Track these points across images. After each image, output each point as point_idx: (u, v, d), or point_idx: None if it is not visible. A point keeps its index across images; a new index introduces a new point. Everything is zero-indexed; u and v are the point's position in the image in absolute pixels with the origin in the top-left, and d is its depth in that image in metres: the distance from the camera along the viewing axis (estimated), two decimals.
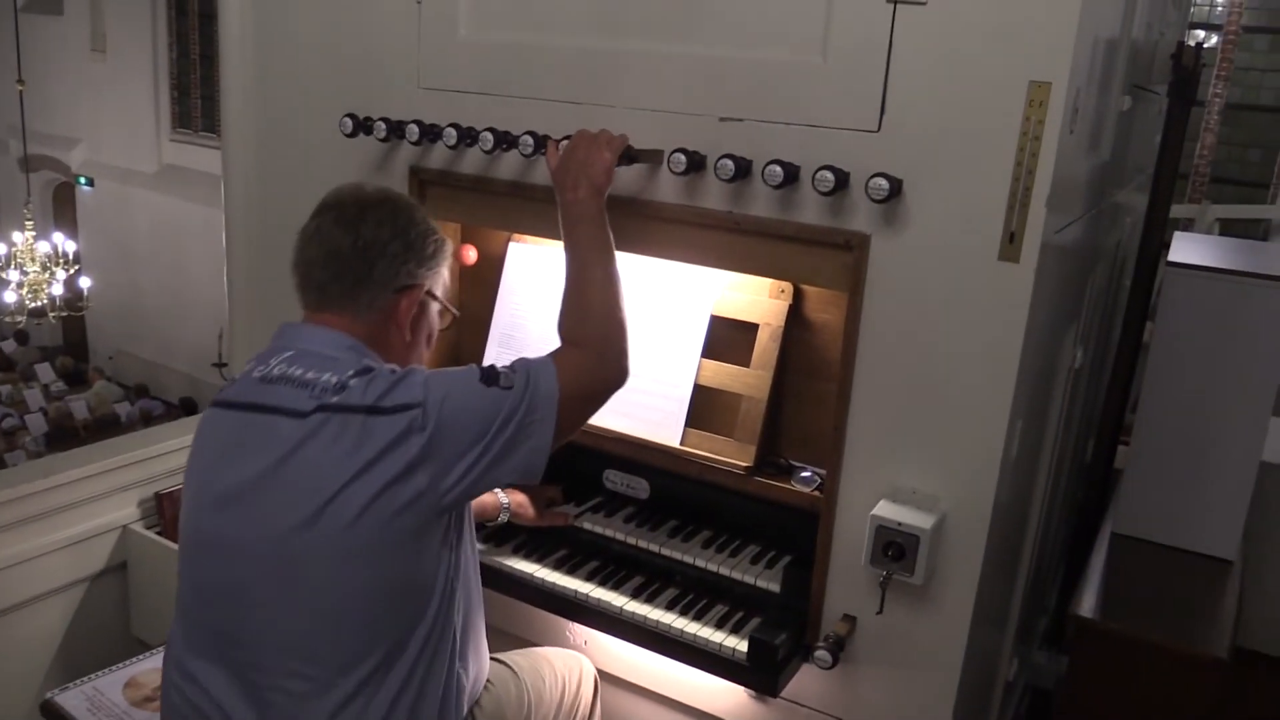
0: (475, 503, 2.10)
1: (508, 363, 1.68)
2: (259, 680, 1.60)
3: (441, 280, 1.80)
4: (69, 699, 2.13)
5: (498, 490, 2.20)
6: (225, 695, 1.62)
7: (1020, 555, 2.50)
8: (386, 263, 1.68)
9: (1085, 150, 2.12)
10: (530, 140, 2.05)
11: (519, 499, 2.23)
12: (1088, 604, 2.63)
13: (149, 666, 2.24)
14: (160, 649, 2.29)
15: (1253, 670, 3.52)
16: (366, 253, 1.66)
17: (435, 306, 1.80)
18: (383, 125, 2.24)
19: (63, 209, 15.05)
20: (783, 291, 2.08)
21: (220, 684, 1.63)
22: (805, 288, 2.07)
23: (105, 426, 10.68)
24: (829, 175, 1.78)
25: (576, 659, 2.15)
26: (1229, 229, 6.35)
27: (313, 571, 1.56)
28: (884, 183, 1.74)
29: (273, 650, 1.59)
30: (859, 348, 1.88)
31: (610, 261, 1.82)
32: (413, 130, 2.20)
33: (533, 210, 2.19)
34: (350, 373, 1.60)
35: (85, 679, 2.20)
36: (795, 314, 2.09)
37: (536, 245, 2.35)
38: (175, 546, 2.68)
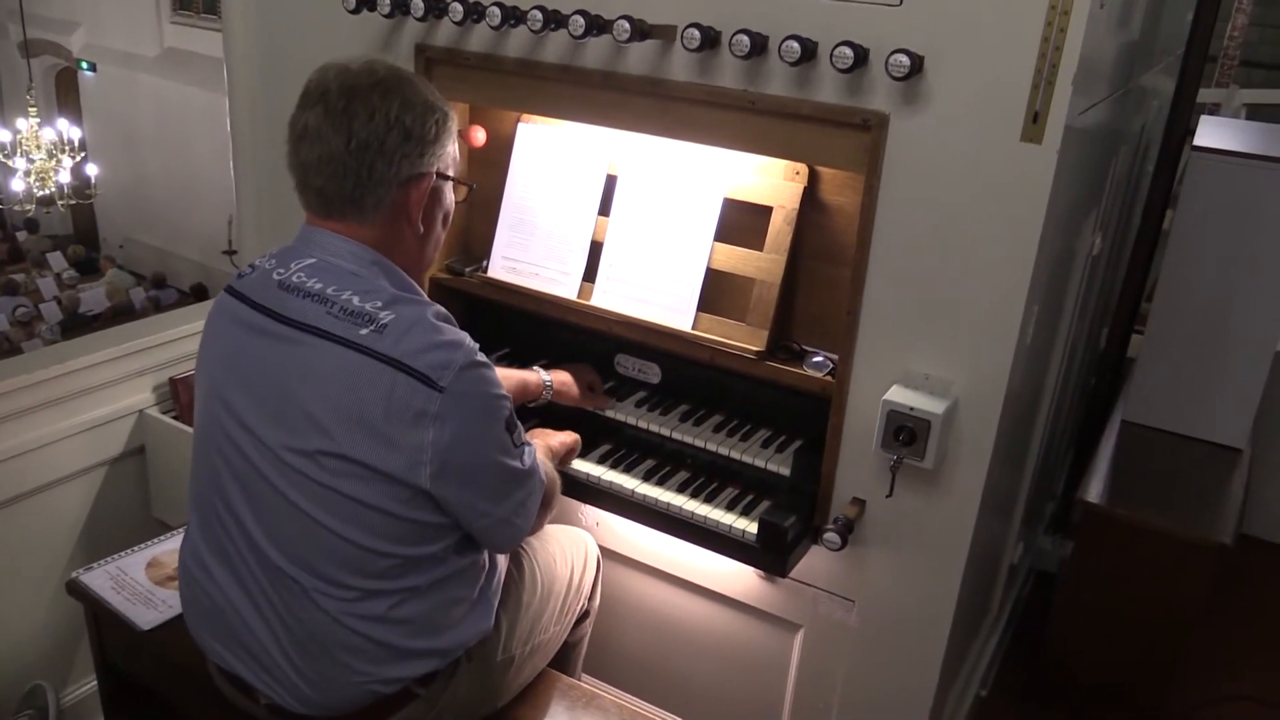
0: (518, 384, 2.12)
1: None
2: (273, 579, 1.60)
3: (450, 156, 1.67)
4: (93, 578, 2.18)
5: (539, 369, 2.21)
6: (239, 596, 1.64)
7: (1030, 441, 2.51)
8: (385, 160, 1.54)
9: (1115, 28, 2.05)
10: (539, 15, 1.98)
11: (562, 378, 2.23)
12: (1095, 490, 2.67)
13: (170, 547, 2.28)
14: (181, 530, 2.34)
15: (1256, 557, 3.58)
16: (362, 153, 1.53)
17: (448, 186, 1.69)
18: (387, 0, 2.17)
19: (66, 95, 14.79)
20: (797, 173, 2.04)
21: (233, 584, 1.65)
22: (821, 169, 2.03)
23: (120, 315, 10.73)
24: (848, 52, 1.72)
25: (583, 538, 2.18)
26: (1256, 114, 6.18)
27: (319, 490, 1.54)
28: (905, 59, 1.69)
29: (278, 551, 1.58)
30: (874, 231, 1.85)
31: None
32: (418, 5, 2.13)
33: (542, 89, 2.13)
34: (379, 301, 1.53)
35: (108, 559, 2.24)
36: (810, 196, 2.05)
37: (546, 125, 2.30)
38: (191, 430, 2.73)
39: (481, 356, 1.56)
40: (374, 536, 1.55)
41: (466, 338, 1.55)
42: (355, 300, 1.53)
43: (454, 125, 1.67)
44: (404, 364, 1.48)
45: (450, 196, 1.72)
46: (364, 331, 1.50)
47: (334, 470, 1.51)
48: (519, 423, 1.65)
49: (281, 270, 1.60)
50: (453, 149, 1.68)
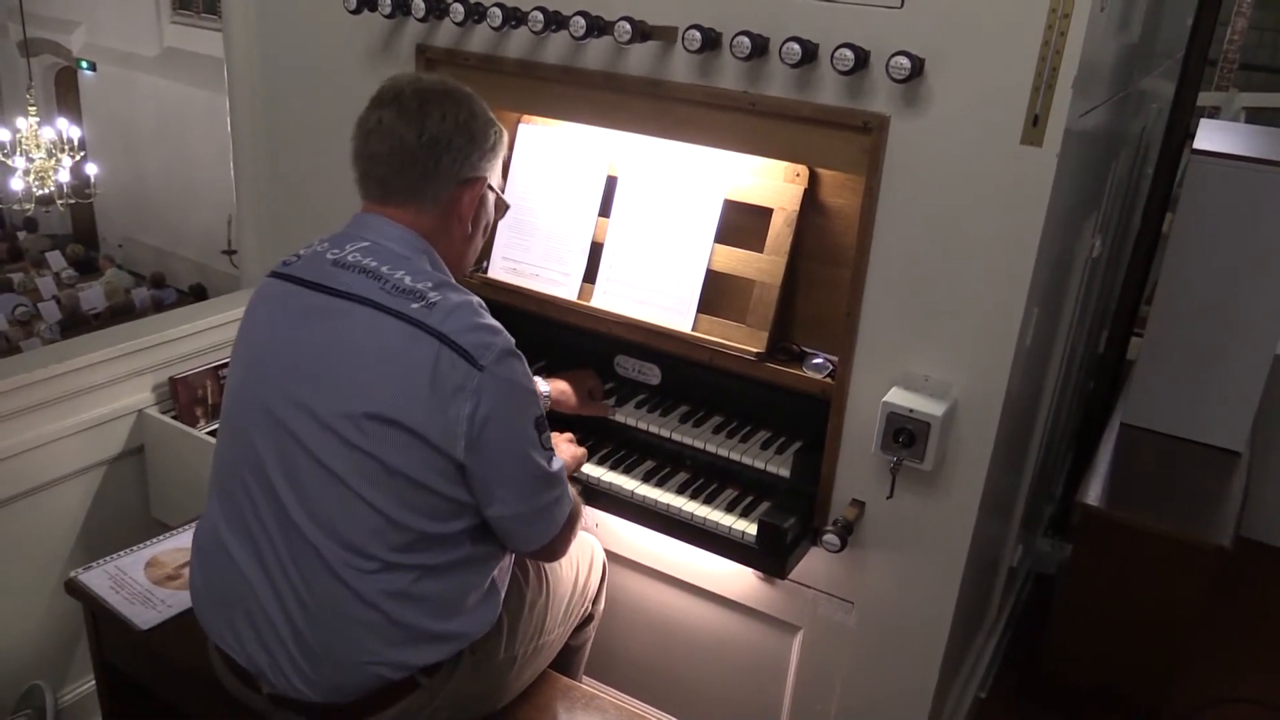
0: None
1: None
2: (296, 551, 1.62)
3: (499, 172, 1.79)
4: (92, 578, 2.17)
5: (538, 378, 2.21)
6: (255, 573, 1.66)
7: (1029, 443, 2.51)
8: (451, 156, 1.67)
9: (1115, 31, 2.05)
10: (540, 16, 1.99)
11: (560, 387, 2.24)
12: (1094, 492, 2.67)
13: (170, 546, 2.28)
14: (180, 529, 2.34)
15: (1255, 560, 3.58)
16: (432, 147, 1.65)
17: (492, 198, 1.80)
18: (388, 0, 2.17)
19: (65, 94, 14.79)
20: (798, 175, 2.04)
21: (251, 562, 1.67)
22: (821, 171, 2.03)
23: (119, 314, 10.72)
24: (848, 54, 1.73)
25: (589, 542, 2.18)
26: (1256, 117, 6.19)
27: (359, 457, 1.58)
28: (905, 62, 1.69)
29: (311, 521, 1.61)
30: (875, 233, 1.85)
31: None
32: (419, 6, 2.13)
33: (543, 90, 2.14)
34: (429, 283, 1.61)
35: (107, 559, 2.24)
36: (810, 198, 2.05)
37: (547, 126, 2.31)
38: (191, 430, 2.73)
39: (517, 350, 1.63)
40: (404, 508, 1.59)
41: (504, 329, 1.63)
42: (407, 279, 1.61)
43: (506, 142, 1.78)
44: (449, 338, 1.56)
45: (492, 208, 1.82)
46: (414, 306, 1.58)
47: (376, 435, 1.56)
48: (548, 427, 1.69)
49: (336, 251, 1.68)
50: (500, 166, 1.79)
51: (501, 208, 1.85)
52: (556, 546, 1.78)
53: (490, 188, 1.77)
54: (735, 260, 2.11)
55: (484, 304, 1.66)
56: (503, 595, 1.81)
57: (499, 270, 2.36)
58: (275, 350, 1.66)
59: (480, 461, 1.60)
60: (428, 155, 1.65)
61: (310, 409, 1.60)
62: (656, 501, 2.11)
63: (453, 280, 1.70)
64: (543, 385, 2.20)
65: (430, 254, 1.69)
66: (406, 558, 1.62)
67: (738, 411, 2.24)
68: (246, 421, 1.67)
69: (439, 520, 1.62)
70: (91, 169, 11.43)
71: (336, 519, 1.60)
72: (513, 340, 1.62)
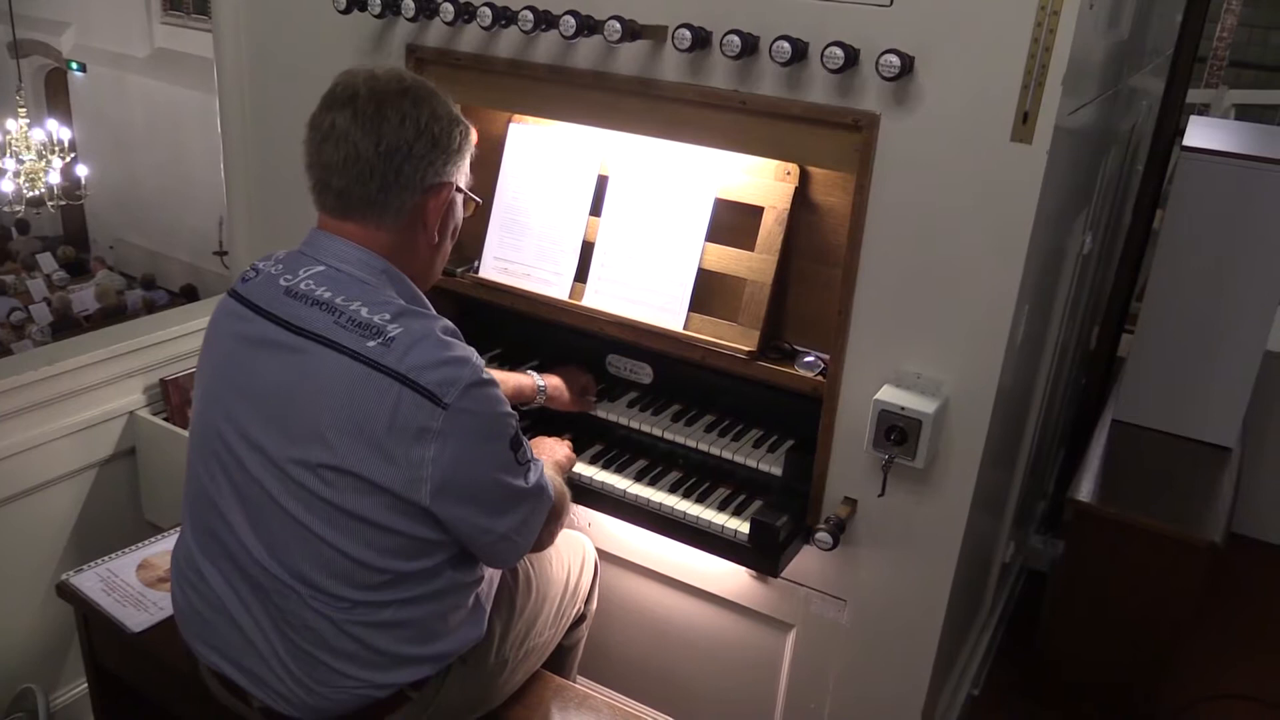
0: (513, 389, 2.11)
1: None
2: (266, 585, 1.59)
3: (466, 171, 1.68)
4: (84, 580, 2.17)
5: (533, 373, 2.21)
6: (232, 601, 1.64)
7: (1021, 440, 2.51)
8: (412, 165, 1.55)
9: (1104, 28, 2.05)
10: (530, 16, 1.98)
11: (555, 382, 2.22)
12: (1086, 489, 2.67)
13: (161, 549, 2.28)
14: (172, 532, 2.33)
15: (1246, 556, 3.59)
16: (391, 157, 1.53)
17: (461, 198, 1.70)
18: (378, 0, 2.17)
19: (55, 95, 14.73)
20: (789, 173, 2.05)
21: (226, 589, 1.64)
22: (812, 169, 2.04)
23: (110, 316, 10.68)
24: (838, 52, 1.73)
25: (580, 541, 2.18)
26: (1245, 114, 6.22)
27: (318, 503, 1.53)
28: (895, 60, 1.69)
29: (273, 559, 1.57)
30: (865, 231, 1.85)
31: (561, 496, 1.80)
32: (408, 5, 2.13)
33: (534, 90, 2.14)
34: (388, 314, 1.52)
35: (99, 561, 2.23)
36: (801, 197, 2.05)
37: (538, 126, 2.30)
38: (182, 432, 2.72)
39: (488, 374, 1.55)
40: (371, 550, 1.54)
41: (474, 354, 1.55)
42: (364, 311, 1.52)
43: (474, 139, 1.68)
44: (409, 379, 1.47)
45: (460, 211, 1.72)
46: (371, 344, 1.49)
47: (335, 484, 1.50)
48: (525, 439, 1.63)
49: (289, 277, 1.59)
50: (467, 165, 1.69)
51: (470, 205, 1.75)
52: (543, 540, 1.75)
53: (459, 189, 1.67)
54: (727, 259, 2.11)
55: (452, 329, 1.57)
56: (489, 609, 1.78)
57: (490, 270, 2.35)
58: (229, 377, 1.59)
59: (452, 503, 1.53)
60: (386, 166, 1.53)
61: (262, 448, 1.54)
62: (649, 500, 2.11)
63: (419, 301, 1.62)
64: (539, 380, 2.20)
65: (391, 273, 1.59)
66: (379, 595, 1.57)
67: (730, 410, 2.24)
68: (207, 449, 1.62)
69: (407, 559, 1.57)
70: (82, 170, 11.39)
71: (299, 561, 1.55)
72: (481, 366, 1.53)
